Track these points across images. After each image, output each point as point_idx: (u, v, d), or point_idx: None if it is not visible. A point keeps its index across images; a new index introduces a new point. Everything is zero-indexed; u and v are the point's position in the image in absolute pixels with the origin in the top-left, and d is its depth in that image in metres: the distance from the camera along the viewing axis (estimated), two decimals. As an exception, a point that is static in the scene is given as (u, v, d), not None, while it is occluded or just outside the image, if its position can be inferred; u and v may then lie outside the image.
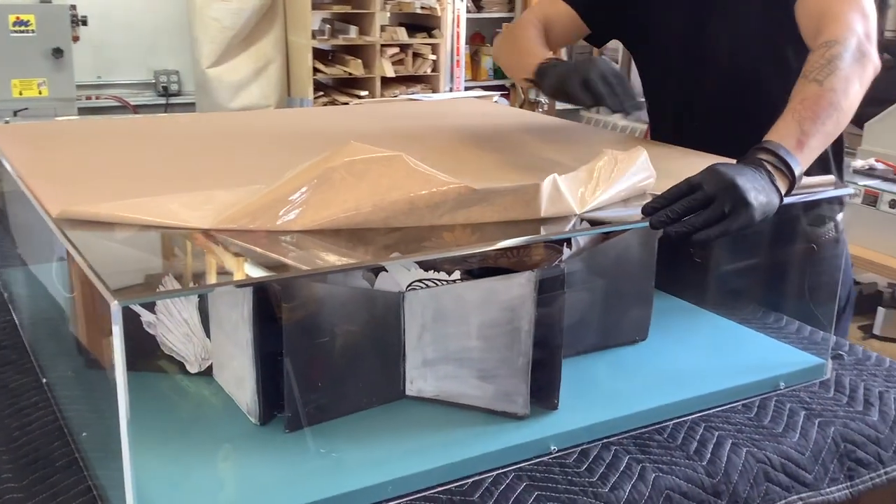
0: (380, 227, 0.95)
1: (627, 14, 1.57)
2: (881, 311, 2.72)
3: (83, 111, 4.11)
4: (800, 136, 1.12)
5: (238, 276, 0.85)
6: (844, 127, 1.21)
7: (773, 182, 1.04)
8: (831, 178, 1.25)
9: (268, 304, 1.00)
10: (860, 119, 3.68)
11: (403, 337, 1.06)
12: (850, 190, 1.24)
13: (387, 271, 1.06)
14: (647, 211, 1.02)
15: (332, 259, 0.91)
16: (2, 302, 1.46)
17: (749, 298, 1.49)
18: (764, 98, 1.41)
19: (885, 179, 2.72)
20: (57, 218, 0.95)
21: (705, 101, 1.51)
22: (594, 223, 1.04)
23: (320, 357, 1.00)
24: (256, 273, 0.88)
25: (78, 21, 3.58)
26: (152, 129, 1.55)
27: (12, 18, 3.33)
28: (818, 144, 1.13)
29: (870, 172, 2.80)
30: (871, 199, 2.65)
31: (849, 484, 1.11)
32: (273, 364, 1.00)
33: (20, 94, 3.42)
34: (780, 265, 1.54)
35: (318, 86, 4.52)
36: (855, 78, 1.20)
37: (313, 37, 4.38)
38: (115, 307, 0.73)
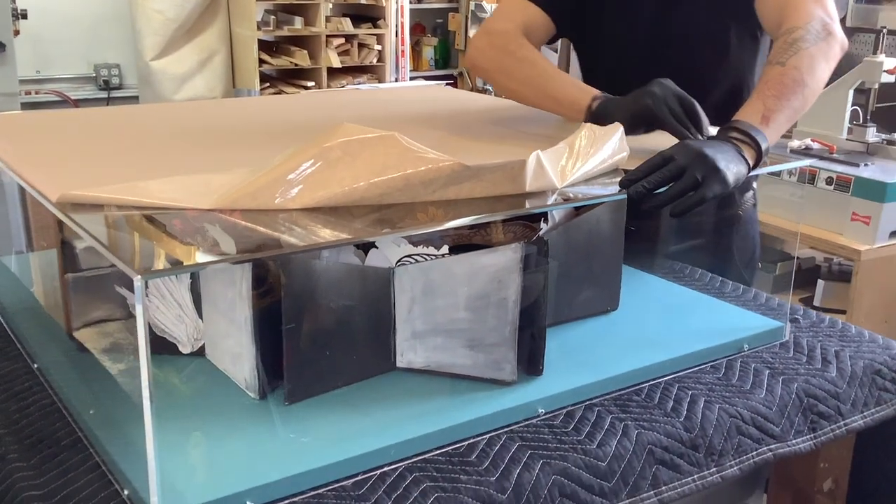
0: (375, 203, 0.99)
1: (587, 13, 1.60)
2: (820, 283, 2.85)
3: (23, 106, 4.03)
4: (764, 112, 1.19)
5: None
6: (812, 101, 1.28)
7: (740, 153, 1.12)
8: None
9: (264, 281, 1.04)
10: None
11: (394, 311, 1.10)
12: (807, 161, 1.33)
13: (377, 248, 1.10)
14: (624, 184, 1.08)
15: (327, 236, 0.95)
16: (-25, 294, 1.46)
17: (691, 263, 1.60)
18: (709, 88, 1.53)
19: (822, 158, 2.84)
20: (58, 202, 0.97)
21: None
22: (571, 199, 1.10)
23: (316, 331, 1.04)
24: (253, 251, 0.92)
25: (18, 15, 3.52)
26: (127, 119, 1.56)
27: (-49, 12, 3.27)
28: (784, 119, 1.21)
29: (806, 152, 2.92)
30: (809, 176, 2.76)
31: (812, 435, 1.19)
32: (270, 340, 1.04)
33: (-39, 89, 3.37)
34: (713, 231, 1.65)
35: (264, 77, 4.51)
36: (820, 56, 1.27)
37: (258, 28, 4.37)
38: (139, 282, 0.76)
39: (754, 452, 1.13)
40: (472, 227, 1.28)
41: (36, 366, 1.18)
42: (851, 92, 2.89)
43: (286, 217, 0.97)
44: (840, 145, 2.88)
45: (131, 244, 0.90)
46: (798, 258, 3.08)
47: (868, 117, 2.90)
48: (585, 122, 1.31)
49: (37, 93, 4.38)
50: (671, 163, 1.07)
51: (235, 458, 0.93)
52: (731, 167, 1.08)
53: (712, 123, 1.29)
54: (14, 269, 1.61)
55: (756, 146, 1.15)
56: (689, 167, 1.06)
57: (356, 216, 0.99)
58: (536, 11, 1.55)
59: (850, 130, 2.92)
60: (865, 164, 2.72)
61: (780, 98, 1.22)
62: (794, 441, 1.17)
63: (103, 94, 4.58)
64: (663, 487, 1.05)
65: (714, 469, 1.10)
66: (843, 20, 4.19)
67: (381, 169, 0.98)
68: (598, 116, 1.32)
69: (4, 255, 1.64)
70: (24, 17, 3.60)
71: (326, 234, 0.95)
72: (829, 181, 2.69)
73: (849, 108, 2.91)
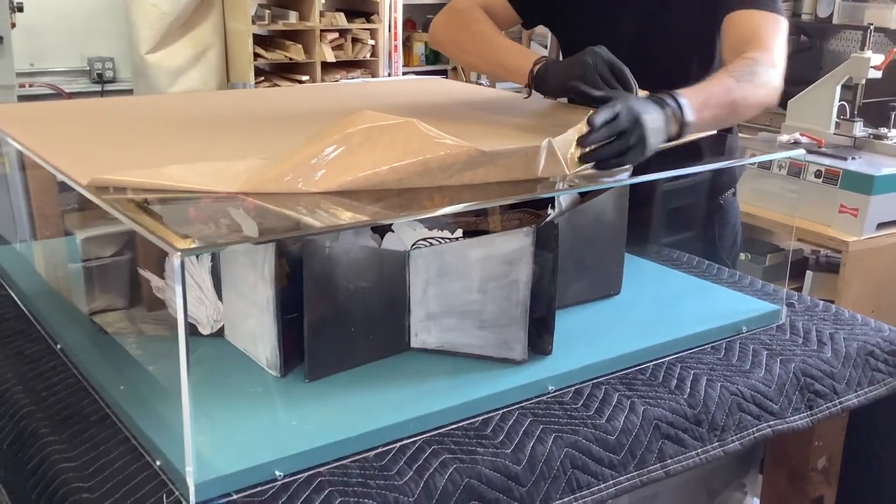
0: (394, 187, 1.03)
1: (560, 8, 1.66)
2: (809, 273, 2.91)
3: (18, 99, 4.04)
4: (701, 106, 1.26)
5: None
6: (728, 125, 1.44)
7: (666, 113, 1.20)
8: None
9: (285, 263, 1.07)
10: (783, 98, 3.88)
11: (409, 293, 1.14)
12: (801, 151, 1.39)
13: (393, 232, 1.14)
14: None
15: (348, 219, 1.00)
16: (-7, 279, 1.49)
17: (679, 248, 1.67)
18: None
19: (810, 152, 2.89)
20: (88, 186, 1.00)
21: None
22: (578, 184, 1.15)
23: (336, 311, 1.08)
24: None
25: (14, 8, 3.54)
26: (135, 108, 1.60)
27: (-50, 5, 3.29)
28: (710, 119, 1.30)
29: (795, 146, 2.97)
30: (797, 170, 2.82)
31: (809, 413, 1.24)
32: (291, 320, 1.07)
33: (-41, 81, 3.38)
34: (695, 220, 1.76)
35: (258, 71, 4.54)
36: (761, 95, 1.37)
37: (253, 22, 4.40)
38: (178, 258, 0.80)
39: (754, 428, 1.18)
40: (477, 213, 1.33)
41: (59, 346, 1.21)
42: (839, 88, 2.95)
43: (308, 201, 1.01)
44: (828, 139, 2.94)
45: (163, 225, 0.94)
46: (785, 251, 3.13)
47: (855, 112, 2.96)
48: (529, 84, 1.45)
49: (31, 86, 4.39)
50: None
51: (262, 431, 0.98)
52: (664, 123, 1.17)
53: None
54: (25, 255, 1.63)
55: (681, 125, 1.22)
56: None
57: (374, 200, 1.03)
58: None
59: (837, 125, 2.98)
60: (853, 158, 2.77)
61: (719, 105, 1.31)
62: (792, 418, 1.22)
63: (97, 88, 4.59)
64: (669, 460, 1.10)
65: (717, 444, 1.15)
66: (829, 17, 4.27)
67: (400, 154, 1.02)
68: (538, 79, 1.44)
69: (14, 243, 1.67)
70: (20, 9, 3.62)
71: (347, 217, 1.00)
72: (817, 174, 2.75)
73: (836, 103, 2.97)
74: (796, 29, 4.53)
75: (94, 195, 0.98)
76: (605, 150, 1.13)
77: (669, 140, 1.22)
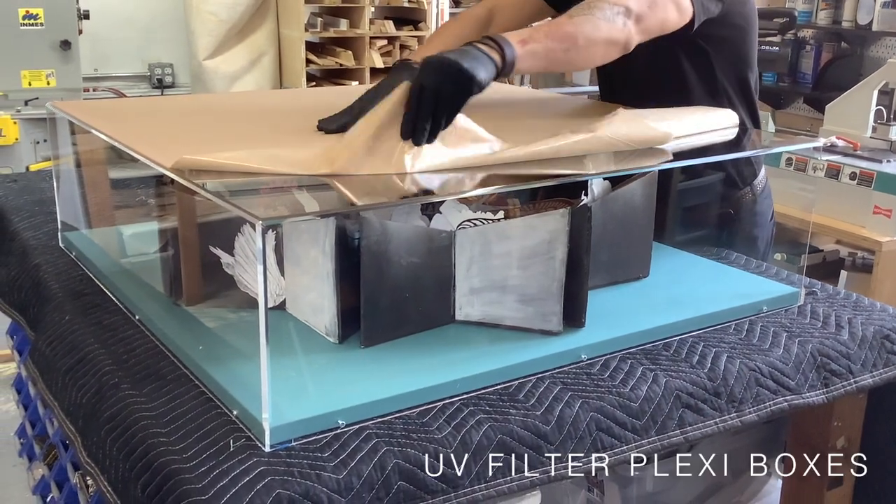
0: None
1: None
2: (843, 273, 2.97)
3: (83, 102, 4.25)
4: (526, 38, 1.30)
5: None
6: (574, 61, 1.41)
7: (480, 52, 1.23)
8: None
9: (343, 239, 1.19)
10: (821, 103, 3.94)
11: (454, 269, 1.25)
12: (820, 142, 1.47)
13: (441, 213, 1.26)
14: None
15: (399, 198, 1.11)
16: (71, 260, 1.62)
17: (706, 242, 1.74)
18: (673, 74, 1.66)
19: (846, 155, 2.96)
20: (172, 168, 1.13)
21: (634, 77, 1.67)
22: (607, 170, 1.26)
23: (389, 285, 1.19)
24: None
25: (81, 15, 3.73)
26: (204, 104, 1.73)
27: (22, 12, 3.50)
28: (539, 57, 1.31)
29: (831, 149, 3.04)
30: (834, 172, 2.89)
31: (825, 390, 1.32)
32: (348, 291, 1.19)
33: (29, 84, 3.58)
34: (708, 225, 1.82)
35: (310, 76, 4.71)
36: (604, 31, 1.36)
37: (305, 29, 4.57)
38: (260, 226, 0.92)
39: (771, 402, 1.26)
40: (511, 200, 1.43)
41: (137, 317, 1.34)
42: (875, 93, 3.01)
43: (367, 182, 1.13)
44: (864, 143, 3.00)
45: (242, 199, 1.06)
46: (823, 251, 3.20)
47: (891, 116, 3.02)
48: None
49: (94, 90, 4.60)
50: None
51: (325, 387, 1.09)
52: (457, 57, 1.18)
53: None
54: (96, 240, 1.76)
55: (501, 51, 1.25)
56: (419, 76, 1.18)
57: (426, 184, 1.14)
58: None
59: (874, 129, 3.04)
60: (888, 161, 2.83)
61: (547, 36, 1.32)
62: (808, 394, 1.30)
63: (157, 92, 4.80)
64: (688, 427, 1.19)
65: (734, 414, 1.23)
66: (869, 24, 4.31)
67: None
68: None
69: (85, 229, 1.80)
70: (87, 17, 3.81)
71: (399, 196, 1.11)
72: (852, 176, 2.81)
73: (873, 108, 3.03)
74: (837, 36, 4.57)
75: (179, 177, 1.11)
76: (421, 112, 1.15)
77: (502, 71, 1.25)
